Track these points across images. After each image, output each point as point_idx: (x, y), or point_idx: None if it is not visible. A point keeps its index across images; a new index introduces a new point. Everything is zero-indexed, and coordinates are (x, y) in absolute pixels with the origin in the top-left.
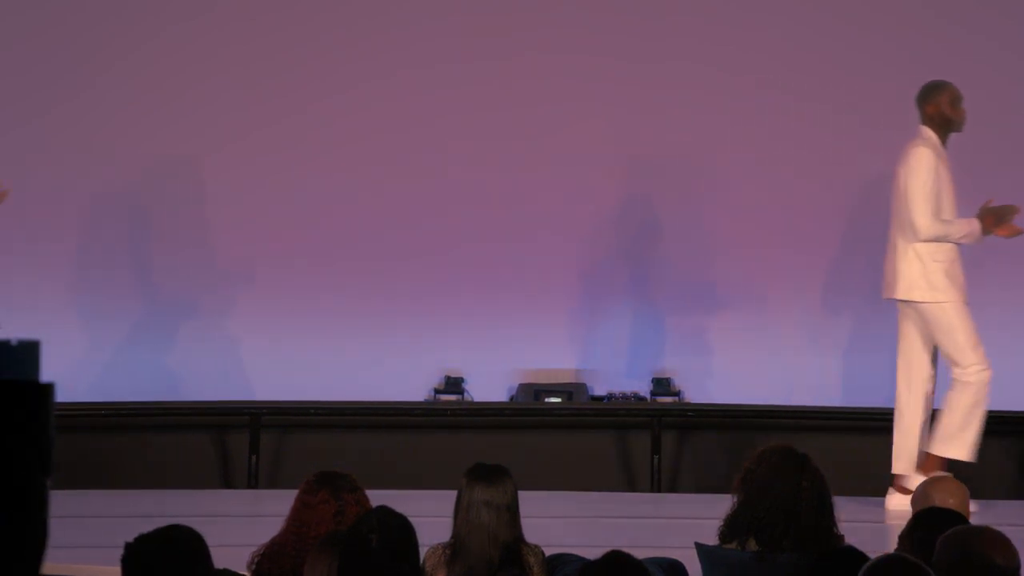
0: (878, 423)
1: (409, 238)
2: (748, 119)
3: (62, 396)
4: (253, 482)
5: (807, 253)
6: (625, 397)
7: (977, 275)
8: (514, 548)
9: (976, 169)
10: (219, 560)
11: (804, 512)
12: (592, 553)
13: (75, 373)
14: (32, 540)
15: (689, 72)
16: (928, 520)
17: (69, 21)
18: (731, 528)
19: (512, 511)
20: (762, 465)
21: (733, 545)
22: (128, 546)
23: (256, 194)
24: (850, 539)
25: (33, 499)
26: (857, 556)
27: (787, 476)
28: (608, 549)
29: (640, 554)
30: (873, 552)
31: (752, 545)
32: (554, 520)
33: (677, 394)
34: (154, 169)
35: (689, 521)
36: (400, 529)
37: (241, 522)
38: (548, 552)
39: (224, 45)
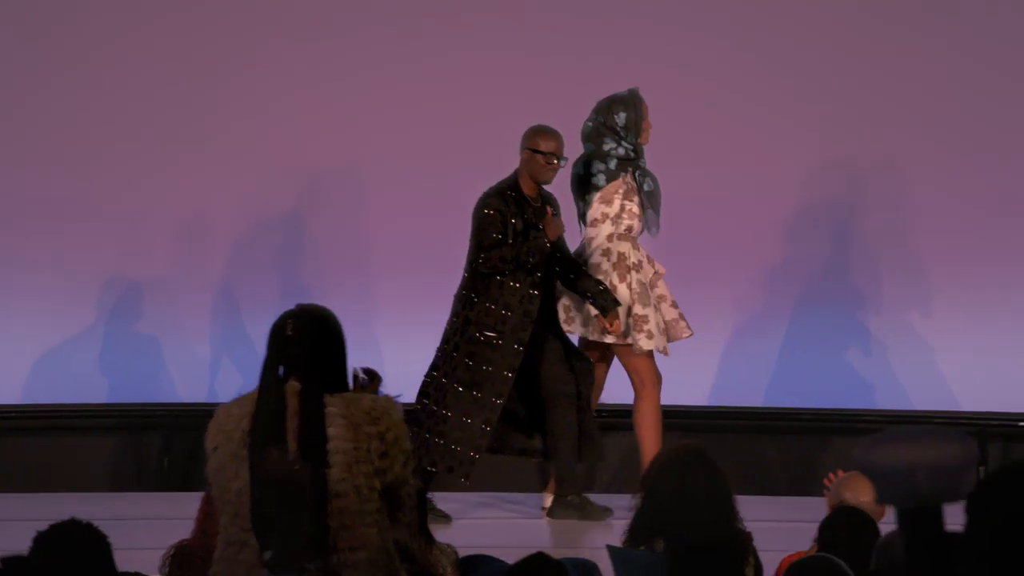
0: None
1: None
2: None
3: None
4: (165, 484)
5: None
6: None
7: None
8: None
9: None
10: (131, 564)
11: (691, 510)
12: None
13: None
14: None
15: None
16: (835, 519)
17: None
18: (632, 533)
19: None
20: (653, 466)
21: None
22: (39, 536)
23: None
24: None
25: None
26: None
27: (673, 475)
28: (529, 551)
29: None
30: None
31: (659, 546)
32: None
33: None
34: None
35: None
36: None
37: (153, 525)
38: (463, 553)
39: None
